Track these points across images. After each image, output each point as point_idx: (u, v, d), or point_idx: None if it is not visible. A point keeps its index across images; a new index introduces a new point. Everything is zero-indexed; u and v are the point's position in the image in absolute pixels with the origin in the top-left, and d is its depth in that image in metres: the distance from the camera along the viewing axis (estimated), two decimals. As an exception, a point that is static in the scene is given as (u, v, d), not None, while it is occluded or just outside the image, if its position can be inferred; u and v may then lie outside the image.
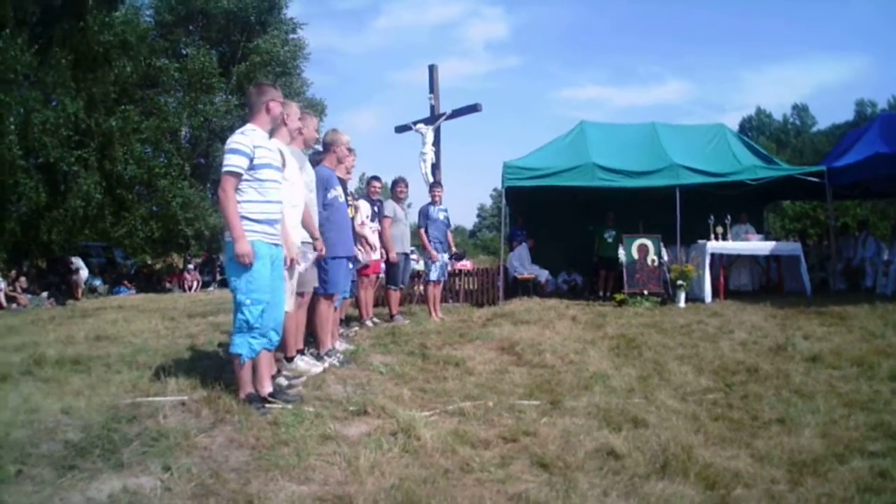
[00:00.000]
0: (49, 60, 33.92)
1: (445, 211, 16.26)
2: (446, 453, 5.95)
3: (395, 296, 15.43)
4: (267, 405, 7.24)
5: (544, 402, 7.84)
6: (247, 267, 7.09)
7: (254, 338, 7.27)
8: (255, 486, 5.14)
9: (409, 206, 16.56)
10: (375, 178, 15.54)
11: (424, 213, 16.10)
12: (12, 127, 31.36)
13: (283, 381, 8.36)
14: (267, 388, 7.56)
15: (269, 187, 7.38)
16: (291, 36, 46.18)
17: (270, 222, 7.39)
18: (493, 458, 5.93)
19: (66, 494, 4.92)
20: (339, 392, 8.19)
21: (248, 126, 7.50)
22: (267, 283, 7.28)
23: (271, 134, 7.97)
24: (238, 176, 7.19)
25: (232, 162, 7.15)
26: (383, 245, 14.46)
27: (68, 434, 6.10)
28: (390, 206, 14.72)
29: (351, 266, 11.43)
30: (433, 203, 16.18)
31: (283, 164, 7.85)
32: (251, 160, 7.23)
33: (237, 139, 7.29)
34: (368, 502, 4.89)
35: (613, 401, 7.69)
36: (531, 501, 4.93)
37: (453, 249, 16.47)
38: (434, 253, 15.36)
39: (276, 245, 7.51)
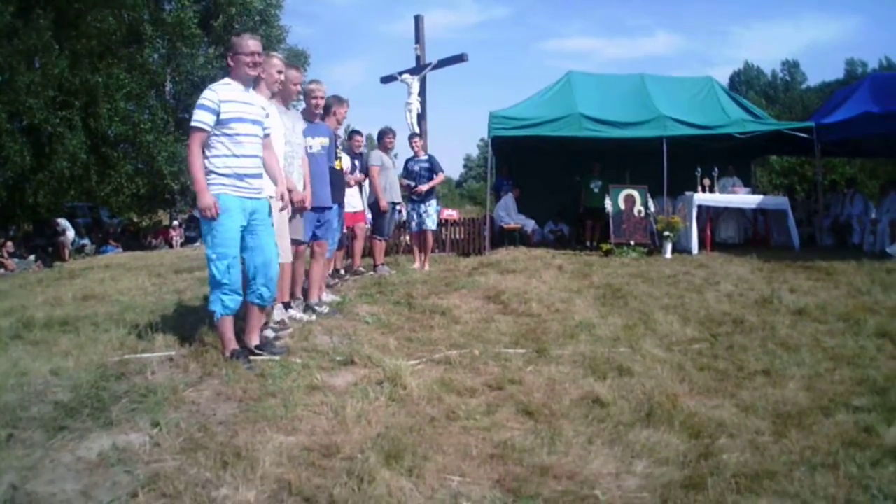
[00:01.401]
0: (31, 20, 33.53)
1: (427, 162, 16.22)
2: (432, 401, 6.02)
3: (380, 246, 15.40)
4: (252, 358, 7.26)
5: (530, 351, 7.91)
6: (213, 221, 7.08)
7: (225, 294, 7.22)
8: (243, 438, 5.16)
9: (395, 156, 16.50)
10: (356, 132, 15.57)
11: (405, 165, 16.28)
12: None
13: (269, 333, 8.37)
14: (254, 341, 7.56)
15: (242, 141, 7.33)
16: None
17: (241, 176, 7.32)
18: (479, 405, 5.99)
19: (56, 455, 4.92)
20: (326, 343, 8.22)
21: (223, 80, 7.52)
22: (233, 238, 7.24)
23: (255, 87, 7.88)
24: (203, 131, 7.18)
25: (196, 118, 7.17)
26: (373, 193, 14.46)
27: (58, 395, 6.11)
28: (377, 156, 14.73)
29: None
30: (414, 156, 16.27)
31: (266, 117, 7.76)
32: (217, 115, 7.20)
33: (204, 94, 7.28)
34: (355, 451, 4.92)
35: (599, 350, 7.77)
36: (517, 449, 4.97)
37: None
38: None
39: (252, 199, 7.40)
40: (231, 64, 7.46)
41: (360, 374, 6.90)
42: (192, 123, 7.16)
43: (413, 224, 16.18)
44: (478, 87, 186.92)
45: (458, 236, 21.47)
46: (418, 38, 23.62)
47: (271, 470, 4.64)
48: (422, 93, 23.14)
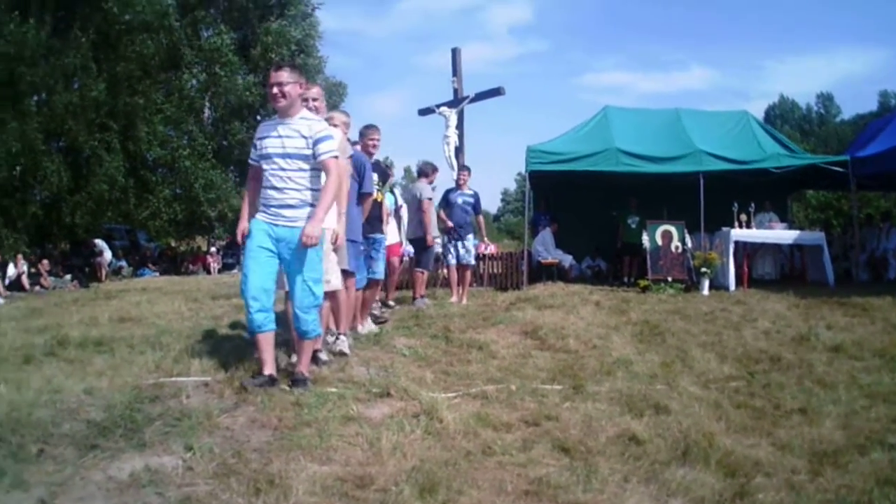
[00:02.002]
0: (69, 41, 33.80)
1: (472, 197, 16.29)
2: (468, 436, 5.97)
3: (421, 278, 15.43)
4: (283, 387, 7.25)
5: (567, 387, 7.85)
6: None
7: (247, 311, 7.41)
8: (277, 466, 5.14)
9: (433, 188, 16.54)
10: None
11: (444, 197, 16.28)
12: (34, 109, 31.37)
13: (323, 356, 8.44)
14: (298, 368, 7.54)
15: (266, 175, 7.46)
16: (307, 20, 46.13)
17: (266, 206, 7.45)
18: (515, 441, 5.94)
19: (87, 473, 4.93)
20: (363, 374, 8.19)
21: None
22: (246, 256, 7.46)
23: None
24: (250, 166, 7.65)
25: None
26: (421, 226, 14.49)
27: (91, 414, 6.13)
28: (429, 189, 14.75)
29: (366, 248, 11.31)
30: (457, 188, 16.28)
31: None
32: (256, 149, 7.59)
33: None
34: (389, 483, 4.89)
35: (636, 386, 7.72)
36: (552, 485, 4.93)
37: (482, 234, 16.49)
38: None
39: (279, 226, 7.39)
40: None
41: (397, 407, 6.87)
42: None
43: (451, 258, 16.06)
44: (515, 120, 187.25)
45: (495, 270, 21.49)
46: (455, 71, 23.73)
47: (304, 499, 4.63)
48: (459, 126, 23.22)
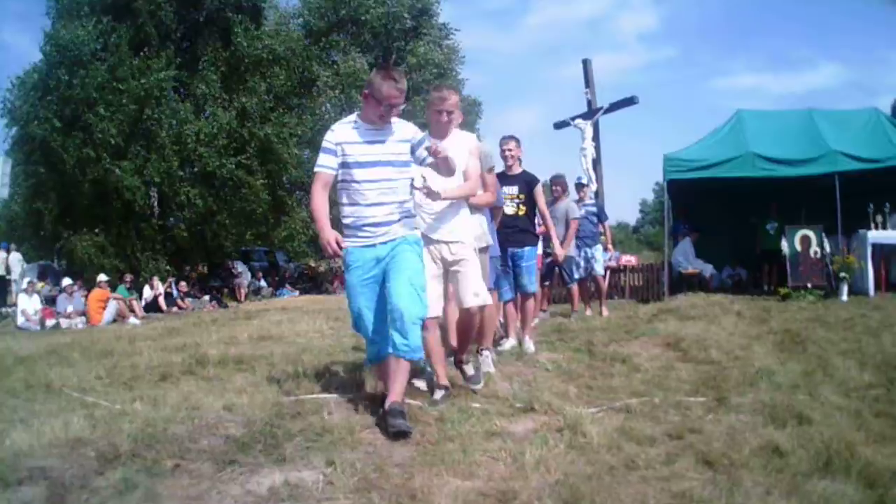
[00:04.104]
0: (198, 74, 34.79)
1: (594, 206, 16.53)
2: (612, 450, 5.93)
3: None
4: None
5: (710, 399, 7.76)
6: None
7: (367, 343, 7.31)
8: (419, 481, 5.17)
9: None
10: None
11: None
12: (167, 140, 32.17)
13: (469, 370, 8.37)
14: (389, 399, 6.77)
15: (360, 189, 6.94)
16: (445, 42, 46.46)
17: (360, 227, 6.96)
18: (659, 455, 5.89)
19: (224, 487, 5.04)
20: (506, 389, 8.19)
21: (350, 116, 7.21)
22: (354, 291, 7.07)
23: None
24: (322, 176, 6.98)
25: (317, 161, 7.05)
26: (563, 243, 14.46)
27: (230, 430, 6.24)
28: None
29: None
30: (579, 200, 16.26)
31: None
32: (335, 156, 6.94)
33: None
34: (532, 497, 4.90)
35: (778, 397, 7.58)
36: (695, 499, 4.89)
37: (610, 241, 16.42)
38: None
39: (377, 245, 6.97)
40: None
41: (540, 421, 6.86)
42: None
43: (581, 270, 15.94)
44: (648, 129, 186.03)
45: (636, 282, 21.44)
46: (588, 82, 23.81)
47: (447, 513, 4.69)
48: (595, 137, 23.24)
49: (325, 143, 6.95)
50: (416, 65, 42.43)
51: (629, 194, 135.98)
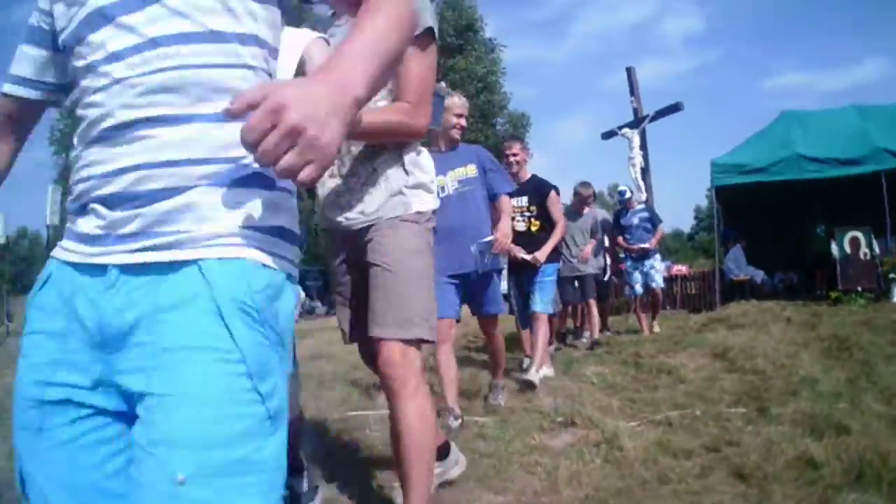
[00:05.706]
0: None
1: (645, 211, 15.69)
2: (647, 463, 6.04)
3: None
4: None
5: (751, 410, 7.81)
6: None
7: None
8: (450, 496, 5.34)
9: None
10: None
11: (615, 221, 15.65)
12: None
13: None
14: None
15: None
16: (490, 56, 46.63)
17: None
18: (693, 468, 5.96)
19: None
20: (548, 403, 8.35)
21: None
22: None
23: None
24: None
25: None
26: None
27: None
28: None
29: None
30: (625, 209, 15.58)
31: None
32: None
33: None
34: (562, 512, 5.04)
35: (819, 406, 7.60)
36: (723, 514, 5.02)
37: (657, 242, 15.47)
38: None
39: None
40: None
41: (579, 435, 6.99)
42: None
43: (637, 285, 15.35)
44: (700, 133, 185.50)
45: (689, 291, 21.43)
46: (633, 90, 23.86)
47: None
48: (643, 146, 23.26)
49: None
50: (459, 80, 42.49)
51: (683, 201, 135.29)
